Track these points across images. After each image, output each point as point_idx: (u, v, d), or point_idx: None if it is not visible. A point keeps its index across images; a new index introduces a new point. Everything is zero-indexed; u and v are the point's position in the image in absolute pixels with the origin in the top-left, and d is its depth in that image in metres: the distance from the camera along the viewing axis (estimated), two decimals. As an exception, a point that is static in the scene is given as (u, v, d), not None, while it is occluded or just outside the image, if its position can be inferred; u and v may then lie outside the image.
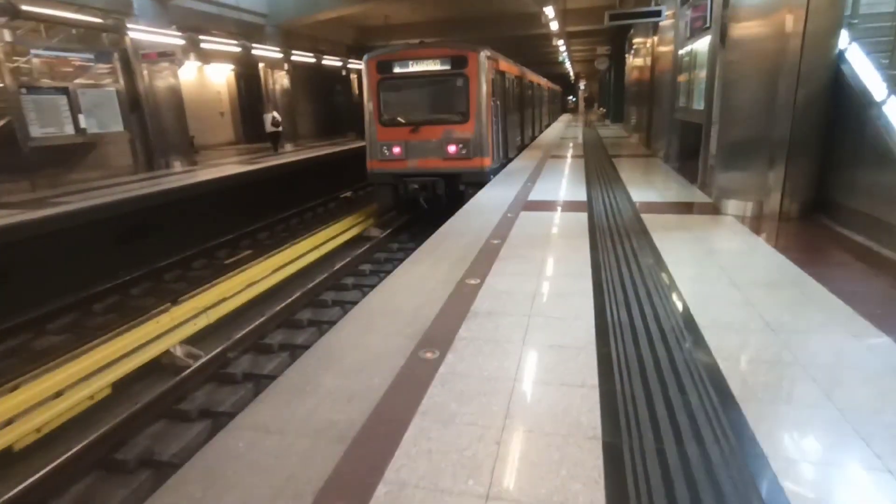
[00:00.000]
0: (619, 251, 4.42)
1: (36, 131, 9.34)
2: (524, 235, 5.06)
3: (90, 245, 7.63)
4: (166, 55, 11.72)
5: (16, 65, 9.20)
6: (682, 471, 1.80)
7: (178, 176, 10.89)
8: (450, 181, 9.00)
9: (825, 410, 2.14)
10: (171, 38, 11.50)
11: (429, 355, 2.68)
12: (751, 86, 5.27)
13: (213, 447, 2.06)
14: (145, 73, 11.62)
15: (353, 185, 14.32)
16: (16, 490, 3.30)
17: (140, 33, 10.92)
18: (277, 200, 11.73)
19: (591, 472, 1.81)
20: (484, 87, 8.78)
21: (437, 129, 8.97)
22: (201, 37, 12.38)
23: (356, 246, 8.85)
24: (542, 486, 1.77)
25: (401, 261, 4.77)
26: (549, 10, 13.55)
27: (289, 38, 17.12)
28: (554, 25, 15.61)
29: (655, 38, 11.28)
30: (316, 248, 8.52)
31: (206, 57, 16.17)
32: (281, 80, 17.34)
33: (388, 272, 4.98)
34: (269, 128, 15.79)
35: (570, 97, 56.51)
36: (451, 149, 8.92)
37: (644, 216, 5.59)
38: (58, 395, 4.28)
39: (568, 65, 35.63)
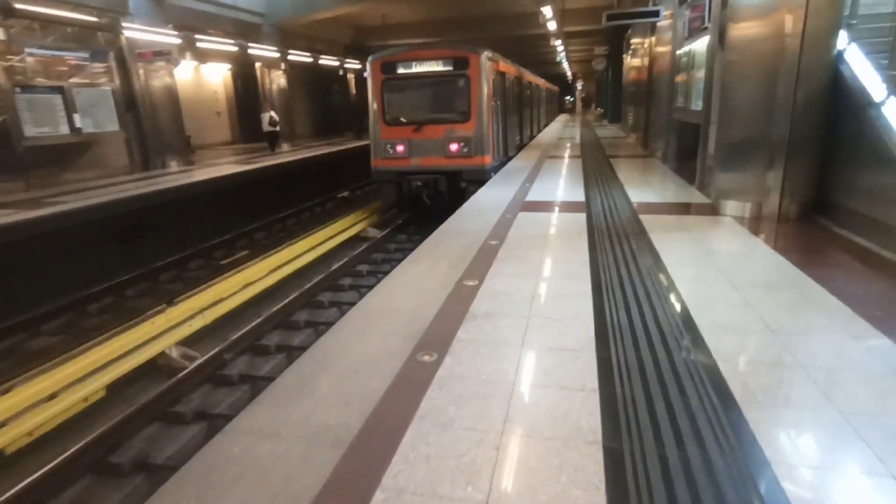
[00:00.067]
0: (618, 252, 4.40)
1: (30, 131, 9.27)
2: (522, 236, 5.04)
3: (85, 246, 7.57)
4: (162, 54, 11.65)
5: (10, 63, 9.12)
6: (683, 476, 1.78)
7: (175, 176, 10.83)
8: (451, 178, 9.14)
9: (826, 412, 2.13)
10: (168, 38, 11.45)
11: (426, 358, 2.65)
12: (750, 86, 5.25)
13: (209, 451, 2.03)
14: (141, 72, 11.55)
15: (351, 185, 14.31)
16: (8, 494, 3.25)
17: (136, 32, 10.88)
18: (274, 200, 11.69)
19: (591, 477, 1.79)
20: (485, 88, 8.90)
21: (440, 128, 9.12)
22: (197, 36, 12.34)
23: (353, 246, 8.83)
24: (542, 492, 1.74)
25: (398, 261, 4.75)
26: (548, 10, 13.55)
27: (286, 38, 17.09)
28: (552, 25, 15.62)
29: (653, 39, 11.29)
30: (313, 248, 8.49)
31: (202, 56, 16.08)
32: (278, 79, 17.30)
33: (386, 272, 4.95)
34: (266, 127, 15.74)
35: (568, 97, 56.57)
36: (453, 147, 9.08)
37: (642, 217, 5.58)
38: (52, 397, 4.24)
39: (565, 65, 35.65)
